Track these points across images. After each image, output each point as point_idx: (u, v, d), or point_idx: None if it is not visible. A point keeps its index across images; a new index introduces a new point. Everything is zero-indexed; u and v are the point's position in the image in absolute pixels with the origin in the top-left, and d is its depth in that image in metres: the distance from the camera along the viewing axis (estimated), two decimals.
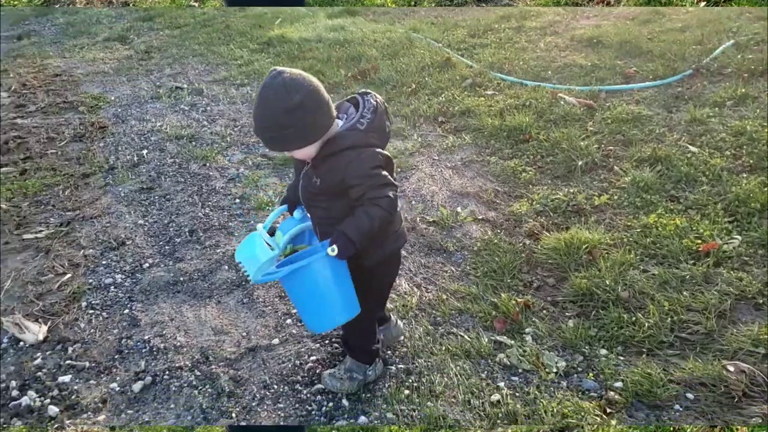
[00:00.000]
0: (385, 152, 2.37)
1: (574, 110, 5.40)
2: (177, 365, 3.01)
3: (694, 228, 3.65)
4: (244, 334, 3.20)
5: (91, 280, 3.74)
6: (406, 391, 2.76)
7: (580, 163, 4.55)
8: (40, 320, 3.40)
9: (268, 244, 2.54)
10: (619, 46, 6.86)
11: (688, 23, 7.22)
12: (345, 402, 2.72)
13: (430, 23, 9.03)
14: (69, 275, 3.80)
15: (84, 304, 3.53)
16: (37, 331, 3.29)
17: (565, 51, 7.07)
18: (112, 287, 3.67)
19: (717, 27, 6.90)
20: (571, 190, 4.27)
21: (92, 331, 3.31)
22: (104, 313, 3.45)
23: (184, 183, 4.95)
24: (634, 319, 3.06)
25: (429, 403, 2.68)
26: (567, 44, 7.27)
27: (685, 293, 3.17)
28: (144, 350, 3.14)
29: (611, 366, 2.82)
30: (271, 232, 2.63)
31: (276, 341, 3.12)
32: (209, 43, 9.51)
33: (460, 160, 4.95)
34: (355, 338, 2.79)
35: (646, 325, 3.00)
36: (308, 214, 2.62)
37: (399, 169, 4.85)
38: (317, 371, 2.91)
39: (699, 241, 3.53)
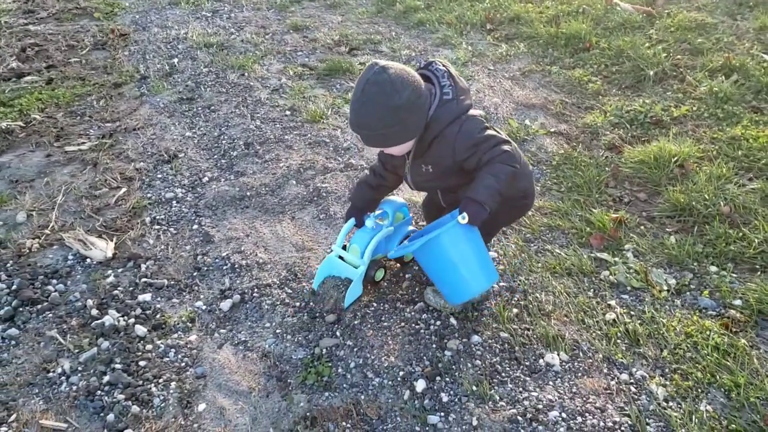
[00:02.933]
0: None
1: (633, 17, 5.11)
2: (264, 282, 2.85)
3: None
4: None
5: (149, 194, 3.52)
6: (515, 310, 2.62)
7: (651, 72, 4.31)
8: (103, 236, 3.21)
9: (347, 262, 2.62)
10: None
11: None
12: (453, 321, 2.58)
13: None
14: (124, 189, 3.59)
15: (148, 219, 3.33)
16: (104, 248, 3.10)
17: None
18: (174, 202, 3.46)
19: None
20: (646, 101, 4.05)
21: (163, 247, 3.13)
22: (172, 229, 3.25)
23: (226, 93, 4.67)
24: (741, 234, 2.92)
25: (542, 322, 2.55)
26: None
27: None
28: (225, 267, 2.96)
29: (726, 283, 2.68)
30: None
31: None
32: None
33: (518, 70, 4.70)
34: None
35: (756, 241, 2.86)
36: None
37: None
38: (416, 289, 2.75)
39: None
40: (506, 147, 2.21)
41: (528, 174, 2.51)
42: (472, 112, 2.25)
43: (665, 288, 2.71)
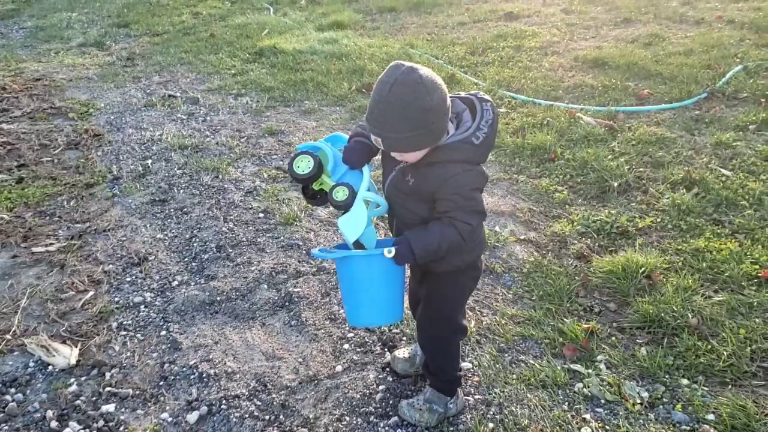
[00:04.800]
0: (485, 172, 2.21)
1: (596, 130, 5.33)
2: (233, 393, 2.77)
3: (747, 253, 3.57)
4: (300, 360, 2.98)
5: (117, 299, 3.46)
6: (491, 425, 2.58)
7: (615, 184, 4.45)
8: (68, 342, 3.12)
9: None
10: (626, 67, 6.85)
11: (690, 47, 7.27)
12: None
13: (425, 39, 8.93)
14: (91, 293, 3.52)
15: (114, 324, 3.25)
16: (68, 354, 3.01)
17: (570, 71, 7.03)
18: (142, 306, 3.40)
19: (722, 52, 6.95)
20: (612, 212, 4.17)
21: (129, 354, 3.05)
22: (139, 335, 3.18)
23: (200, 195, 4.69)
24: (710, 347, 2.95)
25: None
26: (571, 64, 7.24)
27: (757, 320, 3.08)
28: (192, 376, 2.89)
29: (698, 397, 2.69)
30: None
31: (339, 368, 2.91)
32: (196, 51, 9.22)
33: None
34: (436, 360, 2.60)
35: (725, 354, 2.89)
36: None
37: None
38: (390, 402, 2.70)
39: (756, 267, 3.45)
40: (474, 220, 2.15)
41: (479, 247, 2.43)
42: (480, 168, 2.16)
43: (638, 401, 2.70)
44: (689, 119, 5.48)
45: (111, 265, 3.78)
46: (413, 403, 2.60)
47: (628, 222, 4.04)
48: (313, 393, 2.77)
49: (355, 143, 2.27)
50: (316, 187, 2.33)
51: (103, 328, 3.23)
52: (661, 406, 2.68)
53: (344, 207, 2.19)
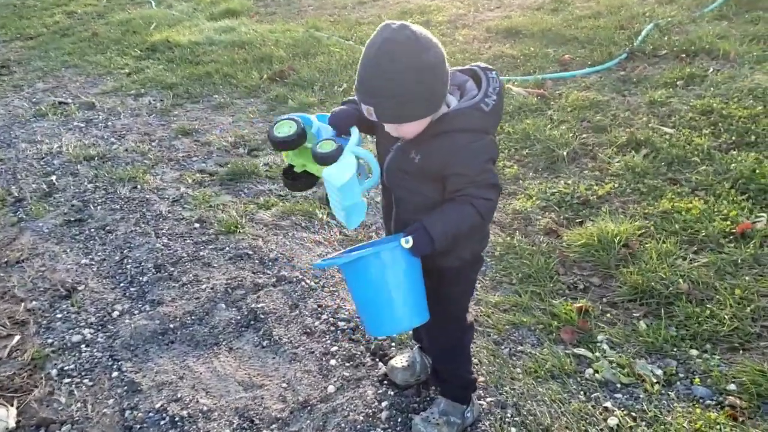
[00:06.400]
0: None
1: (528, 100, 5.20)
2: None
3: (715, 210, 3.51)
4: (285, 385, 2.64)
5: (50, 340, 2.99)
6: (513, 429, 2.36)
7: (563, 153, 4.32)
8: (0, 401, 2.64)
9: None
10: (541, 34, 6.79)
11: (596, 10, 7.30)
12: None
13: (328, 21, 8.57)
14: (18, 337, 3.03)
15: (54, 371, 2.79)
16: (5, 417, 2.54)
17: (486, 42, 6.90)
18: (83, 346, 2.95)
19: (629, 12, 7.03)
20: (567, 182, 4.03)
21: (79, 405, 2.61)
22: (87, 380, 2.74)
23: (121, 210, 4.20)
24: (709, 312, 2.84)
25: None
26: (485, 36, 7.11)
27: (746, 278, 3.00)
28: (162, 422, 2.49)
29: (713, 367, 2.56)
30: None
31: (331, 389, 2.59)
32: (80, 53, 8.46)
33: None
34: (449, 365, 2.35)
35: (727, 317, 2.79)
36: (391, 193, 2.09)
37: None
38: (399, 420, 2.42)
39: (728, 223, 3.39)
40: (492, 194, 1.89)
41: (486, 237, 2.20)
42: (492, 137, 1.91)
43: (654, 380, 2.55)
44: (617, 80, 5.46)
45: (35, 302, 3.28)
46: (428, 417, 2.33)
47: (587, 191, 3.92)
48: (309, 422, 2.44)
49: (344, 106, 2.03)
50: (299, 168, 2.07)
51: (41, 378, 2.76)
52: (678, 383, 2.54)
53: (330, 159, 1.90)
